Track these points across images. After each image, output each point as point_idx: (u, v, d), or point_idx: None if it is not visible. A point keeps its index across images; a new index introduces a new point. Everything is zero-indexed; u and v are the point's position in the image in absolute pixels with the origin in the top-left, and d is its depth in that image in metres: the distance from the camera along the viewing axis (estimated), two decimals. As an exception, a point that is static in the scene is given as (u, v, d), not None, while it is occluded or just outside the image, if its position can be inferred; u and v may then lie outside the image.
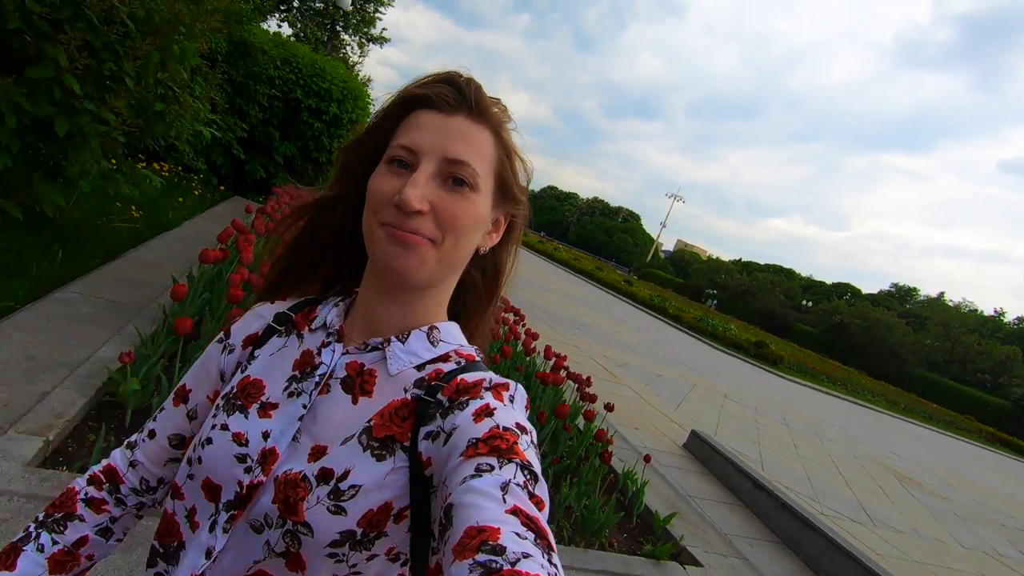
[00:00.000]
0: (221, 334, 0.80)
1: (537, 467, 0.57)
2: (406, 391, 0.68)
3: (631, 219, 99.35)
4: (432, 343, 0.72)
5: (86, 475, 0.78)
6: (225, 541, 0.64)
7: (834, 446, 10.54)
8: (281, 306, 0.78)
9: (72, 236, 4.31)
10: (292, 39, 17.40)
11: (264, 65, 9.02)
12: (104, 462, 0.79)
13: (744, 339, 24.44)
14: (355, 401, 0.68)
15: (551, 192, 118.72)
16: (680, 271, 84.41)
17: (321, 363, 0.72)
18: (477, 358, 0.74)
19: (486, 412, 0.61)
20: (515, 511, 0.49)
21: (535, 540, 0.46)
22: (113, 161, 4.34)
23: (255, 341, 0.77)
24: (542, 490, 0.55)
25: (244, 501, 0.65)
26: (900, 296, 77.22)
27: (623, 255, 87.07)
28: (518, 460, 0.55)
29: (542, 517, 0.51)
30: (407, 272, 0.65)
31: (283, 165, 9.96)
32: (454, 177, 0.65)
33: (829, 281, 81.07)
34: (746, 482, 5.02)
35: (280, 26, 19.18)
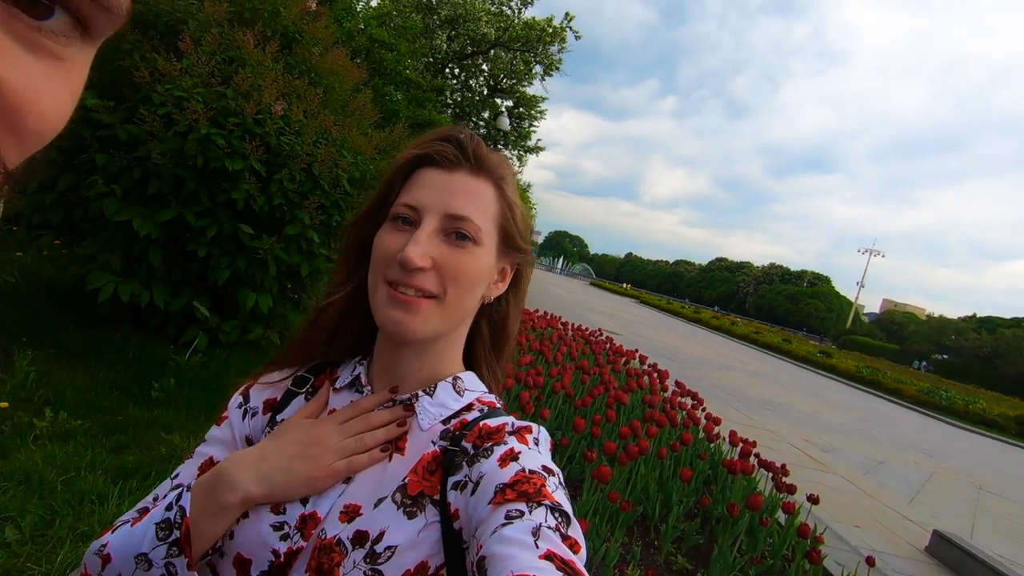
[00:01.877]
0: (240, 399, 0.77)
1: (568, 508, 0.56)
2: (434, 443, 0.68)
3: (819, 282, 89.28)
4: (458, 392, 0.72)
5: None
6: None
7: None
8: (296, 370, 0.78)
9: (309, 353, 5.35)
10: (462, 163, 20.05)
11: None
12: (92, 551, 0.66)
13: (998, 414, 19.64)
14: (389, 459, 0.68)
15: (720, 264, 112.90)
16: (892, 336, 72.08)
17: None
18: (498, 405, 0.74)
19: (511, 457, 0.60)
20: (549, 556, 0.48)
21: None
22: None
23: (275, 406, 0.75)
24: (575, 531, 0.54)
25: (283, 570, 0.62)
26: None
27: (814, 323, 77.70)
28: (548, 503, 0.54)
29: (578, 559, 0.50)
30: (409, 333, 0.65)
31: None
32: (457, 232, 0.66)
33: (1119, 331, 62.35)
34: (1024, 600, 3.95)
35: (452, 154, 22.30)
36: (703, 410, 5.21)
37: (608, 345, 7.68)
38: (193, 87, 3.49)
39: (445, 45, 17.91)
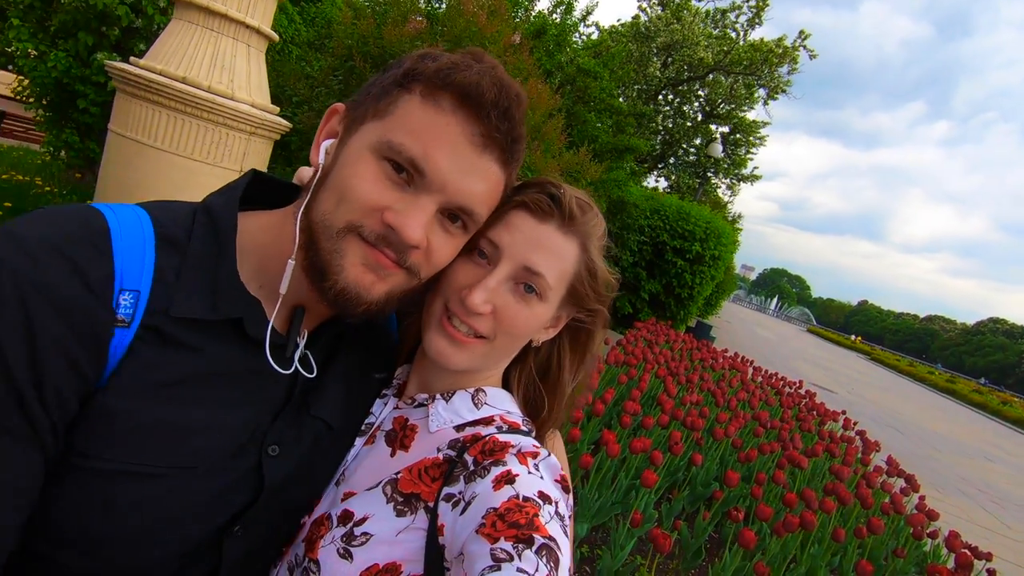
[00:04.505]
0: None
1: (561, 541, 0.53)
2: (439, 450, 0.68)
3: None
4: (476, 405, 0.72)
5: None
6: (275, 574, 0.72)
7: None
8: None
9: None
10: (667, 191, 19.51)
11: (636, 217, 10.39)
12: None
13: None
14: (393, 454, 0.70)
15: (995, 326, 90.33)
16: None
17: (371, 414, 0.76)
18: (523, 427, 0.71)
19: (507, 479, 0.58)
20: None
21: None
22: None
23: None
24: (564, 572, 0.51)
25: (294, 538, 0.72)
26: None
27: None
28: (539, 537, 0.52)
29: None
30: (450, 365, 0.69)
31: (647, 301, 10.84)
32: (527, 284, 0.67)
33: None
34: None
35: (657, 181, 21.84)
36: (918, 497, 4.21)
37: (805, 400, 6.70)
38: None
39: (659, 73, 17.73)
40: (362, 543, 0.62)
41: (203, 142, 3.02)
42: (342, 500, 0.69)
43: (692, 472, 3.62)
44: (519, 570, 0.49)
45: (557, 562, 0.51)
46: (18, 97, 5.63)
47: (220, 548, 0.65)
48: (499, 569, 0.49)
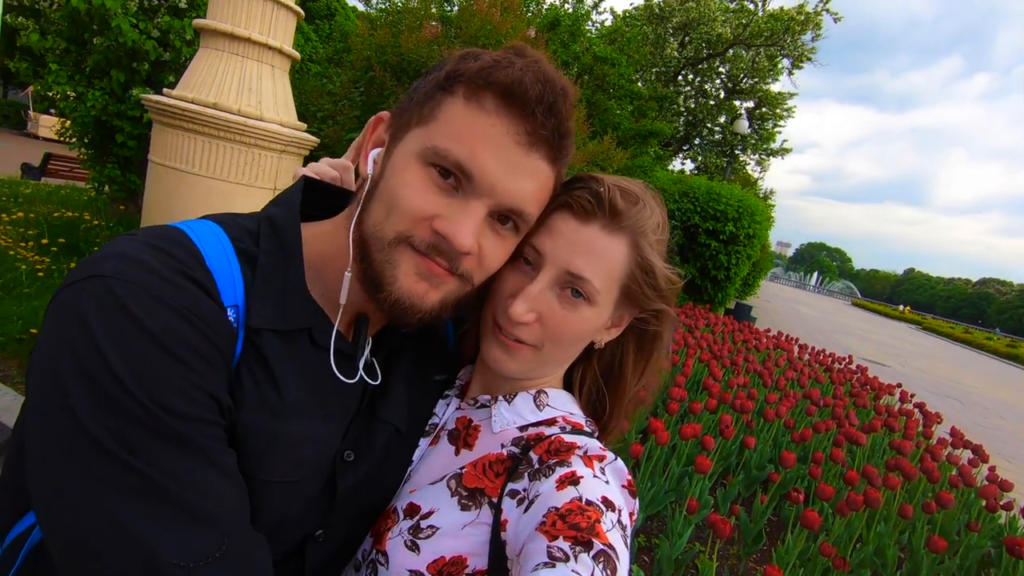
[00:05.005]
0: None
1: (620, 550, 0.52)
2: (503, 447, 0.68)
3: None
4: (538, 406, 0.72)
5: None
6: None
7: None
8: None
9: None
10: (694, 172, 19.11)
11: (665, 202, 10.22)
12: None
13: None
14: (457, 453, 0.71)
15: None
16: None
17: (434, 415, 0.77)
18: (586, 428, 0.71)
19: (571, 480, 0.58)
20: None
21: None
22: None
23: None
24: None
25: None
26: None
27: None
28: (599, 544, 0.51)
29: None
30: (505, 372, 0.69)
31: (683, 286, 10.69)
32: (573, 288, 0.66)
33: None
34: None
35: (683, 163, 21.42)
36: (985, 466, 4.03)
37: (857, 375, 6.48)
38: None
39: (677, 53, 17.36)
40: (428, 536, 0.63)
41: (237, 164, 3.11)
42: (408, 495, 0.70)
43: (746, 455, 3.55)
44: (573, 571, 0.48)
45: (615, 570, 0.50)
46: (62, 138, 5.91)
47: (303, 554, 0.67)
48: (553, 567, 0.49)
